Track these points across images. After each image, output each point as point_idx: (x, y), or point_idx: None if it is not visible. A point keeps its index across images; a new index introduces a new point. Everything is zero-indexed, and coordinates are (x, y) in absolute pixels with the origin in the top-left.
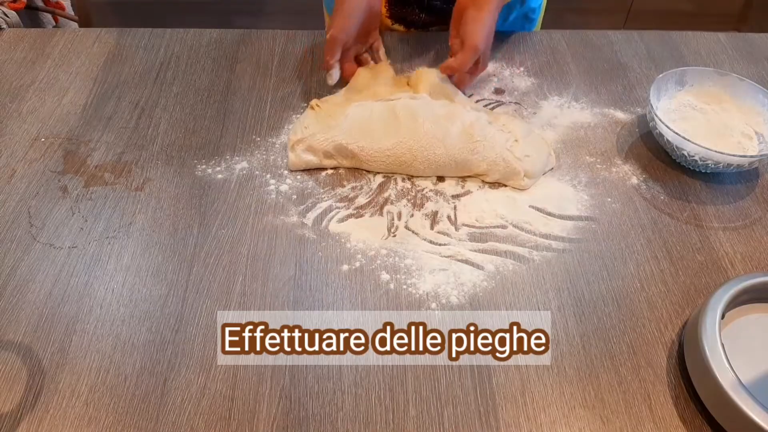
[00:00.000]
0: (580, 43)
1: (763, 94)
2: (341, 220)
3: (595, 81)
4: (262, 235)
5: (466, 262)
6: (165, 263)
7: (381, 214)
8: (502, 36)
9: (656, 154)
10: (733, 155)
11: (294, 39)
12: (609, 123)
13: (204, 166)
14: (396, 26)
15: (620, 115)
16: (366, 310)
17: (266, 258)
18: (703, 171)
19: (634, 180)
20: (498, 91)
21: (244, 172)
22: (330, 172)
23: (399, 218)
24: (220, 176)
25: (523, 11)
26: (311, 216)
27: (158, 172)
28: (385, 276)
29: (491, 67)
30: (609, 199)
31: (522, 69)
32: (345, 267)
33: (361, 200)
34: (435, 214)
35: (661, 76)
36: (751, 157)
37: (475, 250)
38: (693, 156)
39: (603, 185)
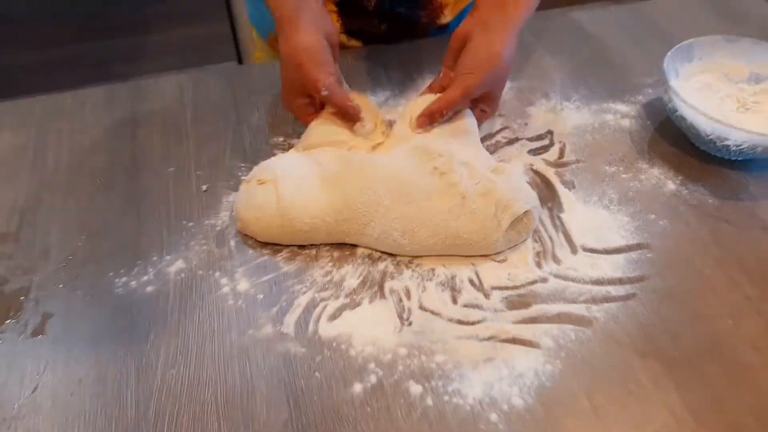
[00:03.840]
0: (546, 30)
1: None
2: (333, 317)
3: (580, 72)
4: (229, 365)
5: (514, 341)
6: None
7: (383, 296)
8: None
9: (681, 147)
10: None
11: (203, 80)
12: (614, 120)
13: (125, 279)
14: (352, 42)
15: (622, 107)
16: None
17: (244, 400)
18: (738, 159)
19: (671, 186)
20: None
21: (183, 275)
22: (297, 249)
23: (408, 297)
24: (150, 289)
25: None
26: (290, 320)
27: (61, 302)
28: (415, 388)
29: None
30: (653, 216)
31: None
32: (358, 387)
33: (352, 282)
34: (453, 281)
35: (669, 54)
36: None
37: (519, 321)
38: (740, 145)
39: (639, 200)
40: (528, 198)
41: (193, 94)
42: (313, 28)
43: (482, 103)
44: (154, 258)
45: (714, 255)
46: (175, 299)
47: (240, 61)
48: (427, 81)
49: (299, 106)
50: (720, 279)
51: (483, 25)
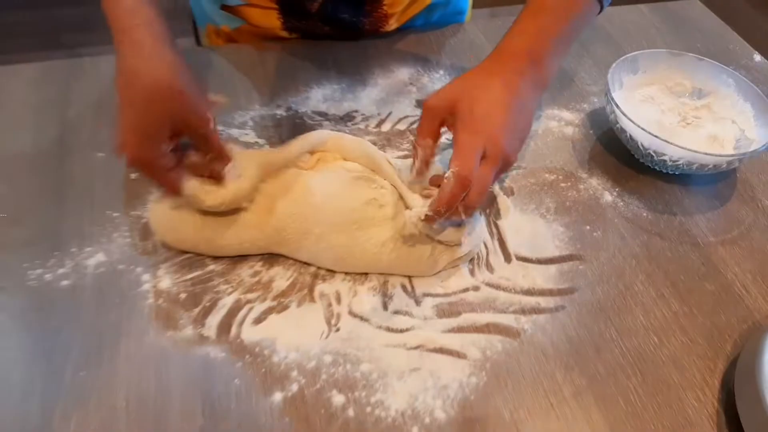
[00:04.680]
0: (497, 33)
1: (727, 74)
2: (258, 320)
3: None
4: (144, 368)
5: (442, 351)
6: None
7: (312, 299)
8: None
9: (620, 158)
10: (722, 155)
11: None
12: (558, 127)
13: (40, 271)
14: (293, 35)
15: (567, 115)
16: None
17: (158, 406)
18: (676, 173)
19: (608, 197)
20: (421, 104)
21: (102, 269)
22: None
23: (338, 302)
24: (66, 283)
25: (447, 12)
26: (213, 322)
27: None
28: (338, 398)
29: (406, 74)
30: (588, 227)
31: (441, 72)
32: (278, 396)
33: (281, 284)
34: (385, 286)
35: (614, 66)
36: (741, 155)
37: (448, 331)
38: (677, 161)
39: (575, 210)
40: (471, 231)
41: None
42: (176, 46)
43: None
44: (73, 249)
45: (644, 269)
46: (91, 295)
47: (198, 38)
48: (377, 77)
49: (158, 157)
50: (648, 294)
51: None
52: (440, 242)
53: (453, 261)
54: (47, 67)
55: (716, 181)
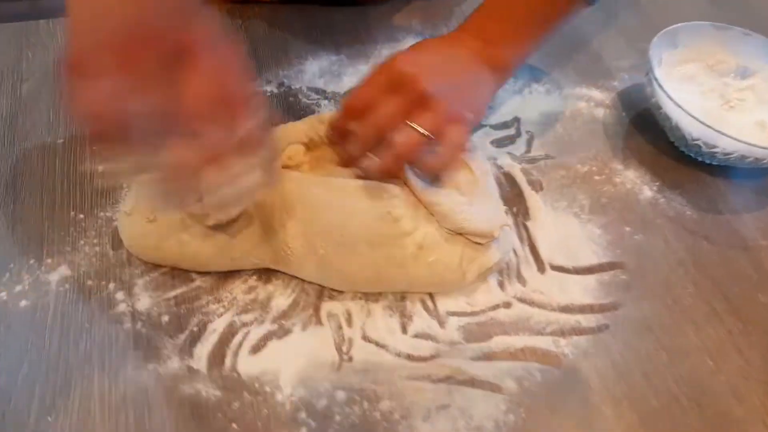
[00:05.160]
0: None
1: None
2: (257, 348)
3: (552, 50)
4: (122, 411)
5: (473, 383)
6: None
7: (319, 321)
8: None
9: (656, 144)
10: None
11: None
12: (588, 108)
13: None
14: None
15: (597, 94)
16: None
17: None
18: (721, 165)
19: (647, 192)
20: None
21: (67, 286)
22: None
23: (350, 324)
24: (24, 303)
25: None
26: (202, 351)
27: None
28: None
29: (414, 44)
30: (628, 229)
31: None
32: None
33: (281, 302)
34: (403, 303)
35: (655, 40)
36: None
37: (479, 358)
38: (729, 154)
39: (612, 208)
40: (501, 233)
41: None
42: None
43: None
44: (32, 261)
45: (693, 279)
46: (55, 319)
47: None
48: (381, 48)
49: None
50: (700, 308)
51: None
52: (468, 238)
53: (484, 272)
54: None
55: (763, 174)
